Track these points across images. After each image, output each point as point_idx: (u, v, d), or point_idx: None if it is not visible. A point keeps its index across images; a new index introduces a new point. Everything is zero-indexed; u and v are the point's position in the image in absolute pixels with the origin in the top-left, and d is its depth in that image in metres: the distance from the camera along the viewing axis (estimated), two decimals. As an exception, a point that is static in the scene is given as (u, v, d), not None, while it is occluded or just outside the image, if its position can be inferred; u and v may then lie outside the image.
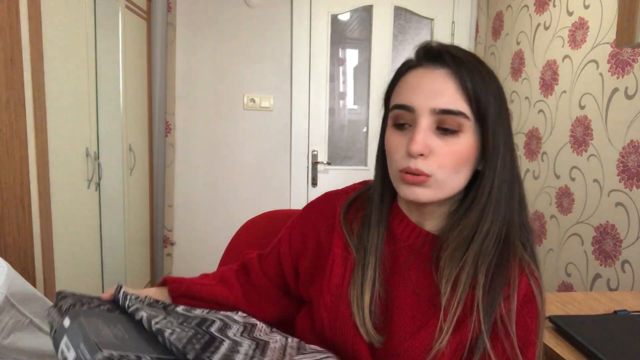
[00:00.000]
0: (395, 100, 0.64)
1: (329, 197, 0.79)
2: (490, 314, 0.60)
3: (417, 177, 0.61)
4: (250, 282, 0.82)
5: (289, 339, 0.68)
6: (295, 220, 0.81)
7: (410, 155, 0.60)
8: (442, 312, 0.61)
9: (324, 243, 0.74)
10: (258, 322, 0.73)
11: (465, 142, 0.61)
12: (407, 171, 0.61)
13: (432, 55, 0.63)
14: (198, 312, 0.72)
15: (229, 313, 0.74)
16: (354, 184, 0.80)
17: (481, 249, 0.62)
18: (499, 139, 0.62)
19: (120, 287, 0.70)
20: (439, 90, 0.60)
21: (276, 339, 0.67)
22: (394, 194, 0.72)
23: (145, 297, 0.72)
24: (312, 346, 0.67)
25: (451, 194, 0.64)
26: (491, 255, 0.62)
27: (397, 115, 0.63)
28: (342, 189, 0.80)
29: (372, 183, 0.75)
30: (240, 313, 0.76)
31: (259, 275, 0.81)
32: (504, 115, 0.63)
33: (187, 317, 0.67)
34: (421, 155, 0.60)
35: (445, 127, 0.60)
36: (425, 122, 0.60)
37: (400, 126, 0.63)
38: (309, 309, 0.74)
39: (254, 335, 0.68)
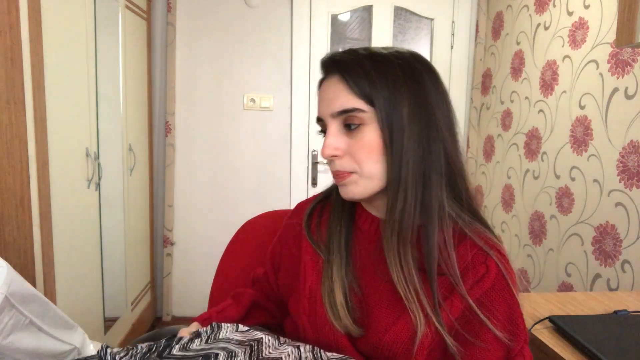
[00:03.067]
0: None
1: (297, 209, 0.85)
2: (433, 289, 0.62)
3: (340, 176, 0.67)
4: (261, 291, 0.89)
5: (302, 348, 0.65)
6: (275, 239, 0.88)
7: (326, 159, 0.67)
8: (405, 300, 0.62)
9: (295, 253, 0.79)
10: (263, 335, 0.68)
11: (371, 133, 0.64)
12: (333, 174, 0.68)
13: (325, 66, 0.69)
14: (196, 346, 0.66)
15: (228, 333, 0.69)
16: (322, 191, 0.84)
17: (401, 227, 0.64)
18: (399, 120, 0.63)
19: (106, 347, 0.65)
20: (333, 96, 0.66)
21: (288, 353, 0.64)
22: None
23: (135, 349, 0.66)
24: (330, 354, 0.64)
25: (380, 183, 0.66)
26: (414, 232, 0.64)
27: (320, 125, 0.71)
28: (311, 197, 0.85)
29: (333, 188, 0.79)
30: (240, 327, 0.71)
31: (264, 286, 0.89)
32: (401, 95, 0.63)
33: (186, 357, 0.63)
34: (335, 157, 0.66)
35: (348, 123, 0.65)
36: (332, 127, 0.66)
37: (324, 135, 0.69)
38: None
39: (263, 355, 0.63)
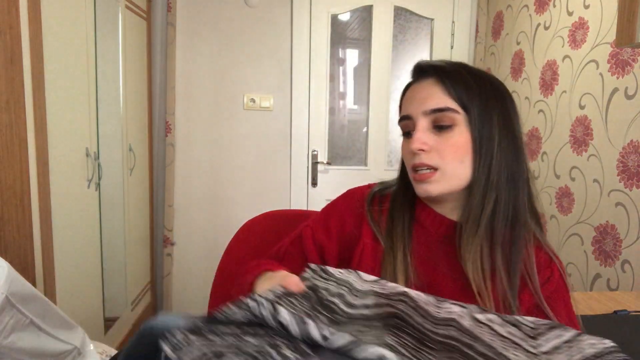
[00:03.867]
0: (400, 114, 0.75)
1: (352, 193, 0.84)
2: (514, 285, 0.66)
3: (425, 174, 0.69)
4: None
5: (468, 308, 0.56)
6: (319, 215, 0.83)
7: (413, 153, 0.69)
8: (478, 297, 0.66)
9: (353, 234, 0.78)
10: (405, 289, 0.59)
11: (460, 134, 0.68)
12: (415, 168, 0.70)
13: (420, 71, 0.74)
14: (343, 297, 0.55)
15: (357, 284, 0.59)
16: (379, 182, 0.85)
17: (491, 228, 0.68)
18: (492, 128, 0.69)
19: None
20: (427, 96, 0.70)
21: (458, 313, 0.55)
22: (415, 194, 0.78)
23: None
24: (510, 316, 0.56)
25: (461, 183, 0.70)
26: (504, 232, 0.68)
27: (403, 126, 0.74)
28: (363, 186, 0.85)
29: (393, 181, 0.82)
30: (362, 275, 0.62)
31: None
32: (492, 105, 0.70)
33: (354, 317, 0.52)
34: (422, 150, 0.69)
35: (440, 124, 0.69)
36: (421, 124, 0.69)
37: (407, 134, 0.73)
38: None
39: (434, 315, 0.54)
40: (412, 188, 0.76)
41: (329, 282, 0.58)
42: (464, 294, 0.68)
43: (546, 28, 1.94)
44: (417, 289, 0.67)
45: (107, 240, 1.82)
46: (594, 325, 0.99)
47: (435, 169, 0.68)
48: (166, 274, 2.50)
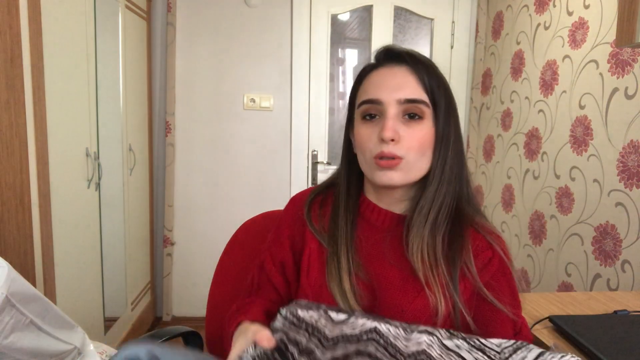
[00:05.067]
0: (363, 97, 0.73)
1: (294, 200, 0.85)
2: (455, 276, 0.69)
3: (391, 161, 0.69)
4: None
5: (438, 334, 0.58)
6: (272, 237, 0.84)
7: (383, 141, 0.68)
8: (425, 285, 0.68)
9: (300, 240, 0.79)
10: (376, 324, 0.59)
11: (427, 128, 0.70)
12: (381, 156, 0.69)
13: (392, 56, 0.74)
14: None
15: (327, 329, 0.59)
16: (320, 183, 0.86)
17: (435, 220, 0.71)
18: (450, 127, 0.72)
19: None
20: (402, 84, 0.70)
21: (427, 342, 0.57)
22: (359, 187, 0.80)
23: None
24: (484, 339, 0.57)
25: (418, 176, 0.72)
26: (445, 225, 0.72)
27: (366, 109, 0.72)
28: (305, 190, 0.86)
29: (333, 181, 0.83)
30: (332, 315, 0.60)
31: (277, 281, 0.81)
32: (453, 107, 0.73)
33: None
34: (392, 140, 0.68)
35: (411, 113, 0.70)
36: (393, 112, 0.69)
37: (370, 118, 0.71)
38: None
39: (402, 351, 0.56)
40: (356, 183, 0.79)
41: (300, 331, 0.58)
42: (411, 285, 0.70)
43: (546, 28, 1.94)
44: (364, 286, 0.71)
45: (107, 240, 1.82)
46: (594, 325, 0.99)
47: (400, 158, 0.69)
48: (166, 274, 2.50)
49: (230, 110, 2.46)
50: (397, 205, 0.76)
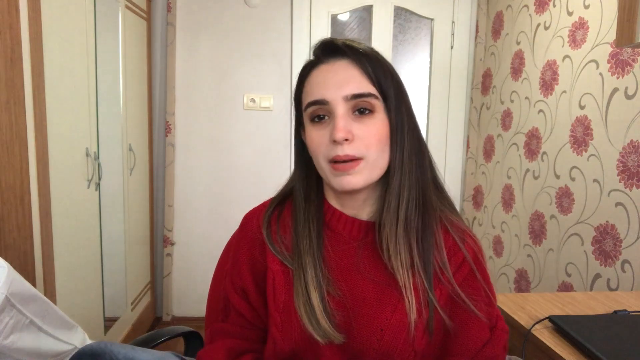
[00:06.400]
0: (307, 99, 0.67)
1: (247, 219, 0.79)
2: (429, 273, 0.66)
3: (347, 164, 0.63)
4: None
5: None
6: (231, 261, 0.79)
7: (336, 142, 0.63)
8: (403, 288, 0.65)
9: (261, 263, 0.73)
10: None
11: (381, 121, 0.65)
12: (337, 160, 0.63)
13: (331, 50, 0.67)
14: None
15: None
16: (274, 197, 0.80)
17: (406, 217, 0.66)
18: (403, 115, 0.67)
19: None
20: (346, 79, 0.64)
21: None
22: (320, 191, 0.74)
23: None
24: None
25: (380, 174, 0.67)
26: (416, 220, 0.67)
27: (313, 111, 0.66)
28: (260, 206, 0.81)
29: (289, 189, 0.77)
30: None
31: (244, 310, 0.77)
32: (403, 93, 0.69)
33: None
34: (346, 140, 0.62)
35: (361, 108, 0.64)
36: (341, 110, 0.63)
37: (319, 120, 0.66)
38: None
39: None
40: (316, 187, 0.73)
41: None
42: (387, 298, 0.66)
43: (546, 28, 1.94)
44: (336, 303, 0.66)
45: (107, 240, 1.82)
46: (594, 325, 0.99)
47: (359, 159, 0.63)
48: (166, 274, 2.50)
49: (230, 110, 2.46)
50: (363, 210, 0.71)
